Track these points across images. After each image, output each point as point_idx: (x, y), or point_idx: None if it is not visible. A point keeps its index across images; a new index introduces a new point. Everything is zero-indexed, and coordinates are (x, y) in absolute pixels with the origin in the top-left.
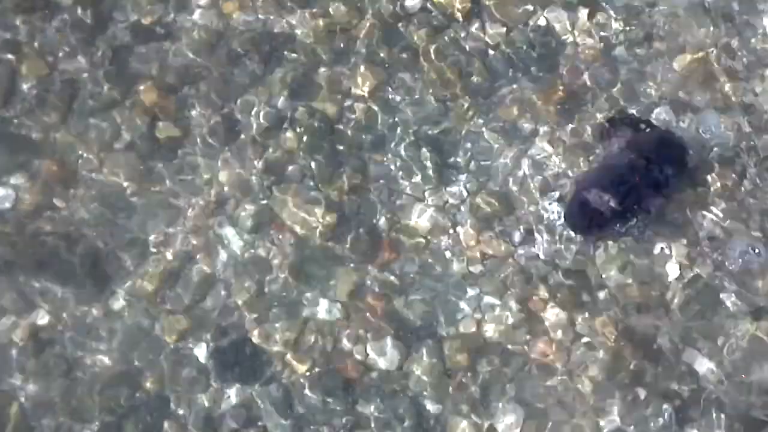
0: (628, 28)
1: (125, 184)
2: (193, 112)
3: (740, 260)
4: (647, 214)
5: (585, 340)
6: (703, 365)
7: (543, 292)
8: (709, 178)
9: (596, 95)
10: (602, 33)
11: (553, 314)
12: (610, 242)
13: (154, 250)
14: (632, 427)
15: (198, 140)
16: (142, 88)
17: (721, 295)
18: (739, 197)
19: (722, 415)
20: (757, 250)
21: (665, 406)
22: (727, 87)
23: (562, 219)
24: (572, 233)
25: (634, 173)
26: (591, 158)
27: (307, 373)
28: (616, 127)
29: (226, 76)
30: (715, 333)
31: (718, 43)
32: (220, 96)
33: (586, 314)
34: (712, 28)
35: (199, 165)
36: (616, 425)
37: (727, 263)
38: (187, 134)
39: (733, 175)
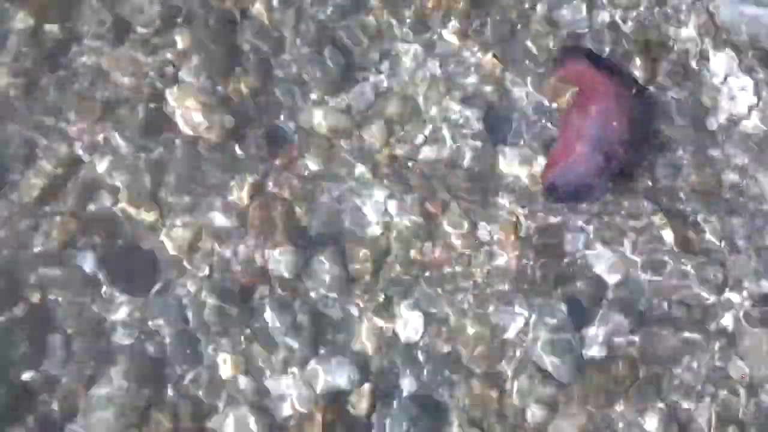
0: None
1: (11, 91)
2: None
3: None
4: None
5: (486, 246)
6: (603, 266)
7: (445, 196)
8: None
9: None
10: None
11: (453, 219)
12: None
13: (40, 154)
14: (533, 328)
15: (86, 42)
16: None
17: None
18: None
19: (619, 315)
20: None
21: (563, 308)
22: None
23: (548, 188)
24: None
25: (629, 150)
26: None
27: (203, 281)
28: (571, 56)
29: None
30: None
31: None
32: None
33: (489, 218)
34: None
35: (87, 68)
36: (517, 329)
37: None
38: (74, 36)
39: None
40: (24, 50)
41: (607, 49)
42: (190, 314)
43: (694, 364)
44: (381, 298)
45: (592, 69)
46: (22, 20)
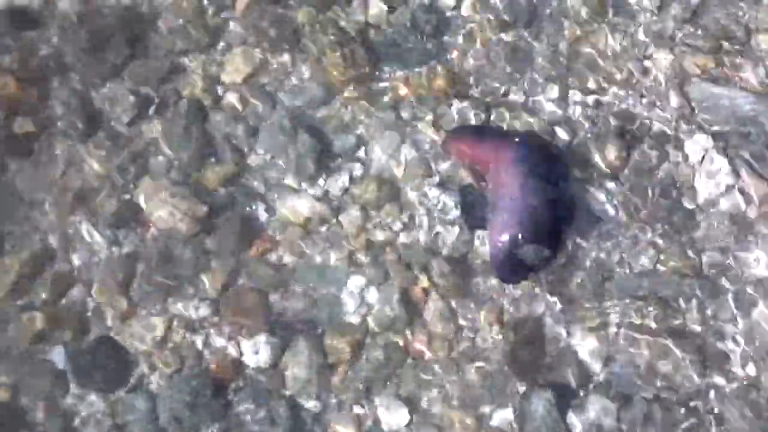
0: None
1: None
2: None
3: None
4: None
5: (467, 332)
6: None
7: (425, 282)
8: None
9: (481, 79)
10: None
11: (434, 305)
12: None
13: (9, 247)
14: (517, 417)
15: (57, 134)
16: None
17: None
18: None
19: (607, 399)
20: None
21: (549, 395)
22: None
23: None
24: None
25: (548, 207)
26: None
27: (175, 375)
28: (459, 136)
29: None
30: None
31: None
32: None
33: (471, 304)
34: None
35: (57, 159)
36: (502, 418)
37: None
38: (46, 127)
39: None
40: None
41: (582, 134)
42: (161, 410)
43: None
44: (361, 386)
45: (473, 143)
46: None
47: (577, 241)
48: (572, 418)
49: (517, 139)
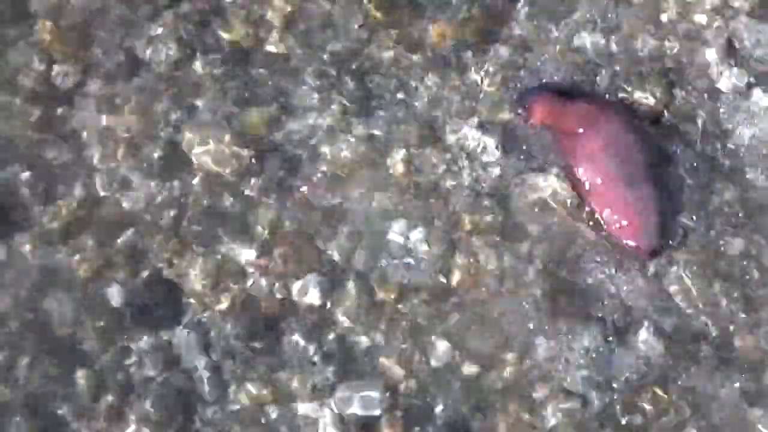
0: None
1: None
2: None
3: None
4: None
5: (511, 270)
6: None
7: (467, 224)
8: None
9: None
10: None
11: (477, 245)
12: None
13: (59, 192)
14: (560, 354)
15: (99, 80)
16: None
17: None
18: None
19: (650, 333)
20: None
21: (593, 329)
22: None
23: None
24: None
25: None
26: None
27: (227, 313)
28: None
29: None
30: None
31: None
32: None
33: (513, 244)
34: None
35: (101, 104)
36: (547, 354)
37: None
38: (88, 74)
39: None
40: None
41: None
42: (215, 346)
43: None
44: (407, 324)
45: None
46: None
47: None
48: (620, 351)
49: (612, 107)
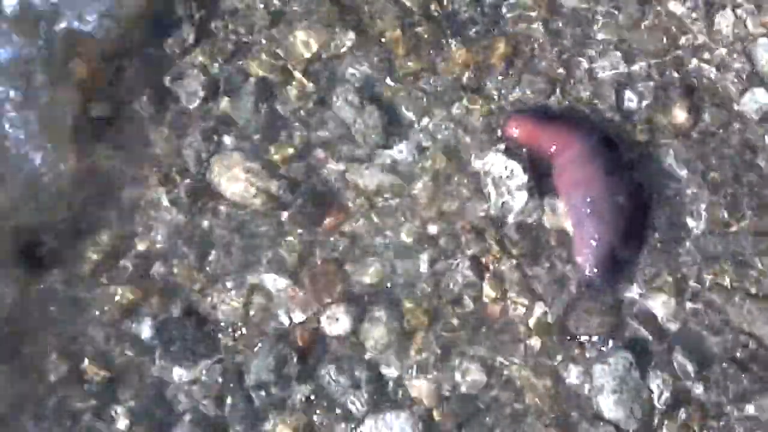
0: None
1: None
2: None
3: None
4: None
5: (540, 295)
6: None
7: (495, 249)
8: None
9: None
10: None
11: (507, 271)
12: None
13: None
14: (590, 382)
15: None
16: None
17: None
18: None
19: (682, 356)
20: None
21: (625, 354)
22: None
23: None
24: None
25: (631, 199)
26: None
27: (259, 344)
28: (517, 121)
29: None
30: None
31: None
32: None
33: (540, 269)
34: None
35: (132, 140)
36: (576, 380)
37: None
38: (119, 110)
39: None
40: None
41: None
42: (247, 378)
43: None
44: (438, 350)
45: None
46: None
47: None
48: (651, 377)
49: (586, 130)
